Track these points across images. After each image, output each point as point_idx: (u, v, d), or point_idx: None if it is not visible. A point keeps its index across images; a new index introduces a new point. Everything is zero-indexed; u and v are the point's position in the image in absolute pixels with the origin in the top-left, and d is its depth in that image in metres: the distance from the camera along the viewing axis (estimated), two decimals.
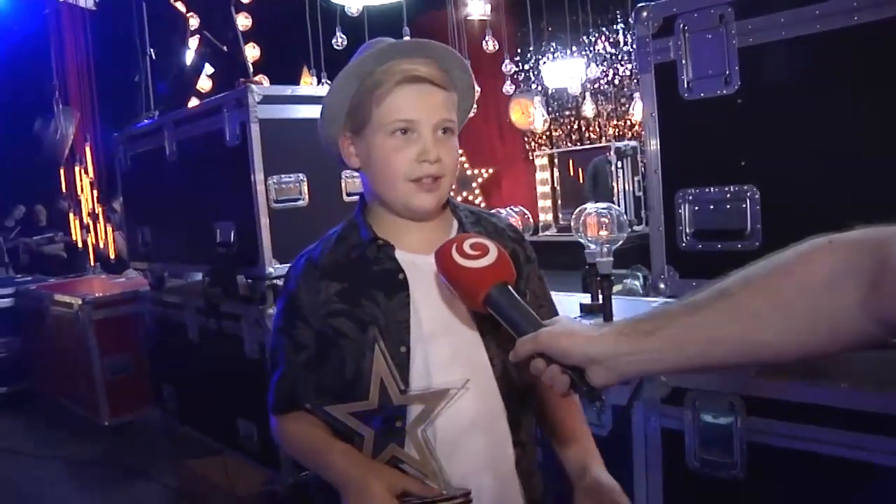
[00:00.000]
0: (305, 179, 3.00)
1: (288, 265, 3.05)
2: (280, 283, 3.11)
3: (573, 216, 2.26)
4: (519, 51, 9.51)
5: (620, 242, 1.96)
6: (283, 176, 2.93)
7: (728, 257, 1.52)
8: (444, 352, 1.07)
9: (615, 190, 6.83)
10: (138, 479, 3.51)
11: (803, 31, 1.36)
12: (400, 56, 1.05)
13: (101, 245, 5.65)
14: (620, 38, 8.79)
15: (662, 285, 1.63)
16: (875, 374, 1.40)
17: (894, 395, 1.26)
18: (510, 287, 0.96)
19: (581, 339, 0.85)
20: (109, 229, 5.61)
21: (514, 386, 1.10)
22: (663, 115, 1.58)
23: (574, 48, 8.76)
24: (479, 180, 10.52)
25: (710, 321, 0.78)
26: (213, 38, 4.17)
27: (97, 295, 4.09)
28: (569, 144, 9.62)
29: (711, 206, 1.53)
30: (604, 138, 9.10)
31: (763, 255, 1.45)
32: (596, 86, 8.91)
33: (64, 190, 5.97)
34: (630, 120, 8.69)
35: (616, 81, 9.01)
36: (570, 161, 9.46)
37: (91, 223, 5.62)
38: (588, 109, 8.35)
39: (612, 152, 6.98)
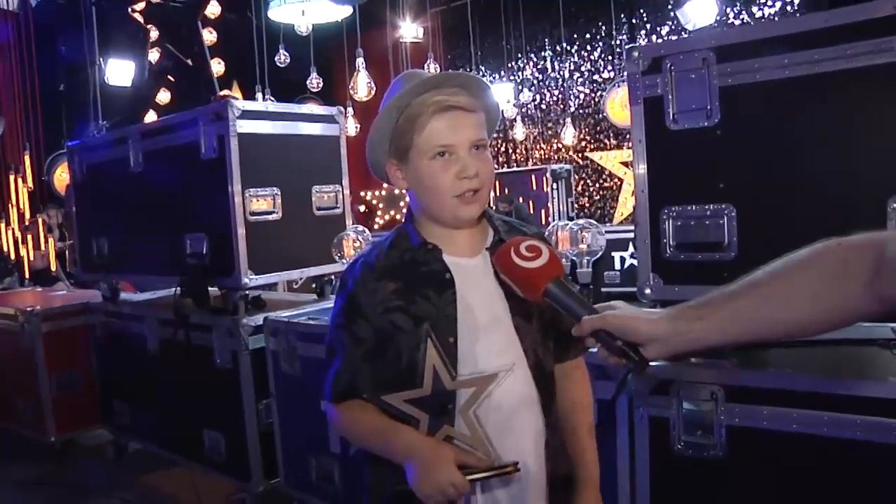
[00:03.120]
0: (279, 193, 3.09)
1: (264, 275, 3.14)
2: (252, 294, 3.18)
3: (546, 232, 2.48)
4: (442, 72, 9.77)
5: (599, 253, 2.19)
6: (258, 189, 3.01)
7: (707, 266, 1.76)
8: (487, 341, 1.23)
9: (550, 211, 7.18)
10: (93, 497, 3.44)
11: (774, 76, 1.62)
12: (432, 88, 1.21)
13: (33, 258, 5.43)
14: (548, 64, 9.23)
15: (648, 290, 1.85)
16: (825, 361, 1.68)
17: (854, 381, 1.52)
18: (563, 280, 1.14)
19: (642, 321, 1.05)
20: (52, 241, 5.39)
21: (543, 373, 1.28)
22: (651, 143, 1.81)
23: (503, 73, 9.13)
24: (407, 199, 10.66)
25: (746, 306, 0.99)
26: (177, 52, 4.16)
27: (48, 306, 3.96)
28: (496, 166, 9.95)
29: (692, 222, 1.77)
30: (530, 161, 9.49)
31: (738, 264, 1.71)
32: (524, 110, 9.30)
33: None
34: (557, 144, 9.11)
35: (543, 106, 9.44)
36: (498, 182, 9.77)
37: (21, 235, 5.38)
38: (519, 133, 8.71)
39: (548, 174, 7.33)
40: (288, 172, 3.15)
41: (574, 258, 2.20)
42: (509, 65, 9.27)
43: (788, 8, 7.27)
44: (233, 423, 3.03)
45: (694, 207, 1.76)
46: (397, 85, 1.26)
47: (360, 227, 3.19)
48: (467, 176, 1.19)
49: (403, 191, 1.31)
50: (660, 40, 8.13)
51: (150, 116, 5.59)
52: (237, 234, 2.93)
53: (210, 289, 3.14)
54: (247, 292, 3.07)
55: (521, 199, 7.64)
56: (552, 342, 1.31)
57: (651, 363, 1.07)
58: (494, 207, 8.48)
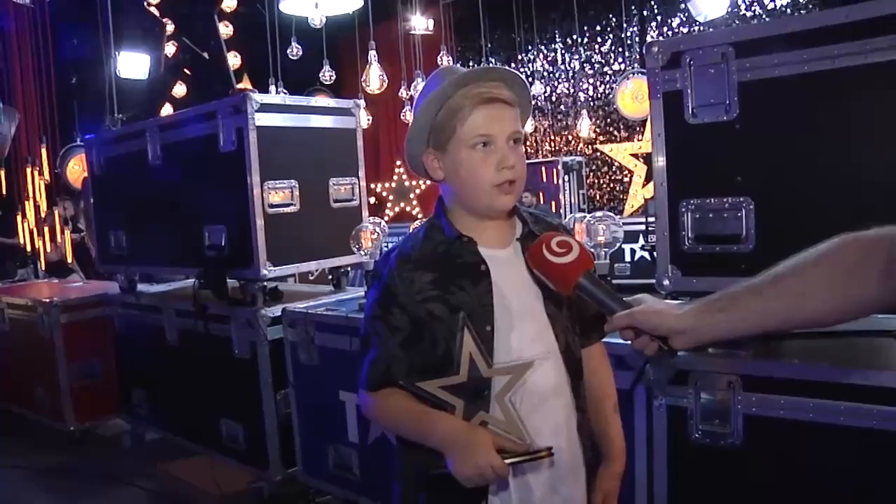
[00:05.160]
0: (297, 185, 3.13)
1: (282, 267, 3.18)
2: (269, 285, 3.22)
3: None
4: (460, 65, 9.79)
5: (618, 245, 2.21)
6: (277, 181, 3.05)
7: (725, 258, 1.78)
8: (522, 329, 1.26)
9: (561, 203, 7.19)
10: (113, 485, 3.49)
11: (792, 71, 1.65)
12: (474, 81, 1.24)
13: (49, 249, 5.49)
14: (558, 56, 9.22)
15: (667, 282, 1.88)
16: (841, 351, 1.70)
17: (870, 371, 1.55)
18: (592, 273, 1.17)
19: (669, 316, 1.09)
20: (68, 233, 5.45)
21: (573, 358, 1.31)
22: (670, 136, 1.84)
23: (513, 65, 9.12)
24: (417, 191, 10.67)
25: (768, 300, 1.03)
26: (193, 45, 4.19)
27: (64, 298, 4.01)
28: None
29: (711, 215, 1.79)
30: (540, 153, 9.49)
31: (756, 256, 1.73)
32: (535, 102, 9.30)
33: (3, 192, 5.75)
34: (568, 136, 9.12)
35: (553, 98, 9.44)
36: None
37: (37, 227, 5.44)
38: (528, 125, 8.72)
39: (559, 166, 7.35)
40: (305, 165, 3.19)
41: (592, 250, 2.23)
42: (519, 57, 9.26)
43: (801, 0, 7.23)
44: (251, 412, 3.07)
45: (712, 200, 1.79)
46: (436, 79, 1.29)
47: (377, 219, 3.23)
48: (506, 166, 1.23)
49: (437, 182, 1.34)
50: (670, 32, 8.10)
51: (167, 110, 5.66)
52: (256, 225, 2.97)
53: (228, 280, 3.18)
54: (265, 284, 3.12)
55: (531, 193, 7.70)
56: (578, 328, 1.35)
57: (679, 353, 1.11)
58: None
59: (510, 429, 1.22)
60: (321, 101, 3.51)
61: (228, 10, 5.73)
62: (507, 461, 1.15)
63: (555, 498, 1.26)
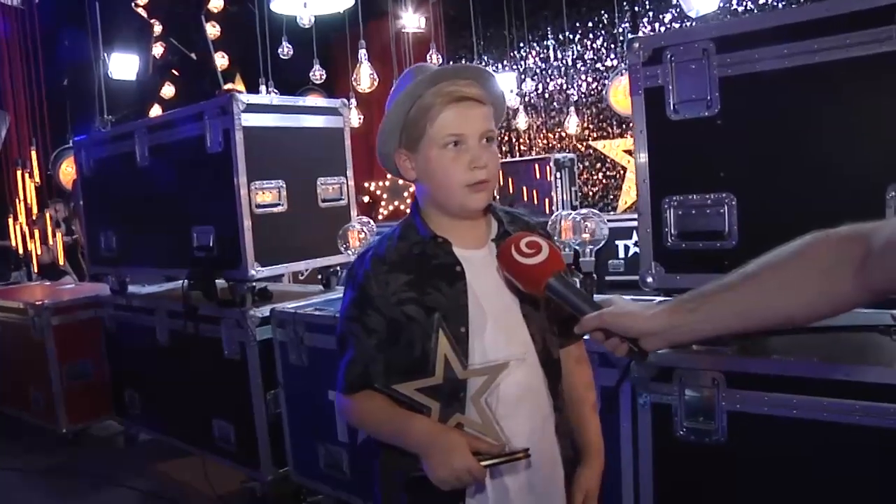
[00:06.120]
0: (284, 186, 3.12)
1: (270, 267, 3.17)
2: (259, 285, 3.21)
3: (549, 222, 2.50)
4: (451, 64, 9.77)
5: (602, 242, 2.21)
6: (264, 182, 3.04)
7: (709, 255, 1.78)
8: (497, 330, 1.25)
9: (554, 200, 7.18)
10: (105, 486, 3.49)
11: (774, 66, 1.64)
12: (445, 80, 1.23)
13: (39, 252, 5.48)
14: (551, 53, 9.20)
15: (650, 279, 1.88)
16: (825, 347, 1.70)
17: (854, 366, 1.55)
18: (563, 274, 1.17)
19: (639, 318, 1.07)
20: (59, 235, 5.44)
21: (551, 359, 1.31)
22: (652, 133, 1.83)
23: (505, 63, 9.12)
24: (411, 189, 10.63)
25: (740, 298, 1.02)
26: (181, 46, 4.18)
27: (55, 300, 4.01)
28: (499, 156, 9.91)
29: (694, 211, 1.79)
30: (534, 150, 9.48)
31: (739, 252, 1.73)
32: (527, 99, 9.29)
33: None
34: (561, 133, 9.10)
35: (546, 95, 9.42)
36: (500, 172, 9.76)
37: (29, 229, 5.42)
38: (521, 122, 8.70)
39: (551, 164, 7.33)
40: (293, 165, 3.18)
41: (577, 247, 2.22)
42: (512, 54, 9.23)
43: None
44: (242, 413, 3.07)
45: (695, 197, 1.78)
46: (408, 77, 1.28)
47: (366, 219, 3.22)
48: (478, 166, 1.21)
49: (410, 182, 1.33)
50: (663, 28, 8.09)
51: (156, 111, 5.64)
52: (243, 226, 2.96)
53: (217, 281, 3.18)
54: (253, 284, 3.11)
55: (524, 193, 7.68)
56: (556, 328, 1.34)
57: (650, 353, 1.10)
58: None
59: (486, 430, 1.21)
60: (309, 100, 3.50)
61: (215, 11, 5.74)
62: (483, 463, 1.15)
63: (532, 499, 1.25)
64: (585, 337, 1.43)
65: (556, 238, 2.44)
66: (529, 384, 1.27)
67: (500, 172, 8.47)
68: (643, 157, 1.86)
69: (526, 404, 1.26)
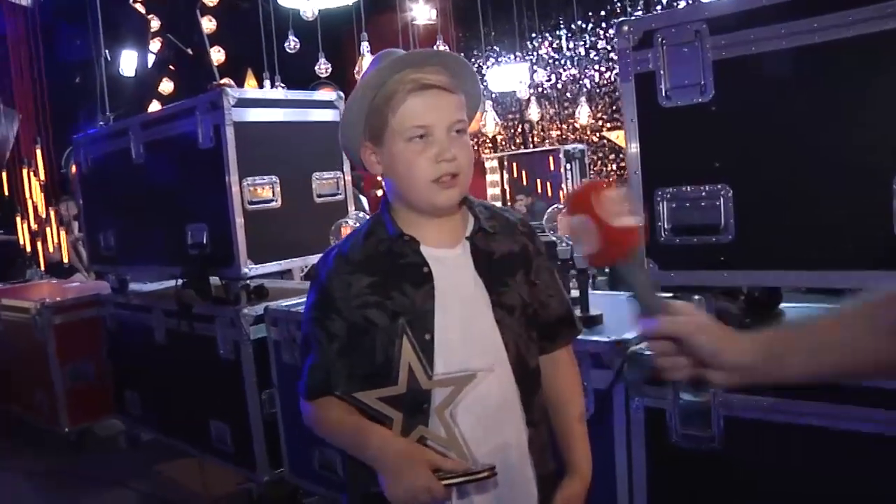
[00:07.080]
0: (278, 181, 3.06)
1: (264, 265, 3.11)
2: (254, 283, 3.16)
3: (545, 217, 2.40)
4: (463, 55, 9.63)
5: None
6: (256, 178, 2.98)
7: (704, 250, 1.67)
8: (466, 337, 1.16)
9: (564, 192, 7.07)
10: (106, 487, 3.46)
11: (771, 47, 1.53)
12: (410, 66, 1.14)
13: (51, 250, 5.50)
14: (563, 43, 9.05)
15: None
16: None
17: None
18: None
19: (723, 340, 0.88)
20: (63, 233, 5.45)
21: (525, 369, 1.21)
22: (643, 121, 1.73)
23: (518, 53, 8.98)
24: None
25: (818, 350, 0.87)
26: (177, 41, 4.14)
27: (57, 299, 3.99)
28: (512, 147, 9.81)
29: (688, 204, 1.69)
30: (547, 141, 9.35)
31: (736, 247, 1.62)
32: (539, 90, 9.15)
33: (6, 194, 5.77)
34: (574, 124, 8.95)
35: (559, 86, 9.28)
36: (515, 164, 9.63)
37: (38, 228, 5.44)
38: (534, 113, 8.58)
39: (561, 155, 7.21)
40: (287, 160, 3.11)
41: (570, 243, 2.12)
42: (523, 44, 9.10)
43: None
44: (237, 413, 3.02)
45: (689, 188, 1.68)
46: (374, 63, 1.20)
47: (361, 214, 3.15)
48: (445, 159, 1.12)
49: (377, 176, 1.25)
50: None
51: (155, 106, 5.62)
52: (235, 223, 2.91)
53: (213, 279, 3.13)
54: (248, 282, 3.06)
55: (539, 185, 7.56)
56: (536, 332, 1.25)
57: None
58: (511, 203, 8.34)
59: (451, 445, 1.12)
60: (303, 94, 3.44)
61: (211, 5, 5.68)
62: (445, 482, 1.06)
63: None
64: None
65: (549, 232, 2.35)
66: (500, 396, 1.18)
67: (514, 165, 8.37)
68: (634, 147, 1.75)
69: (496, 418, 1.17)
